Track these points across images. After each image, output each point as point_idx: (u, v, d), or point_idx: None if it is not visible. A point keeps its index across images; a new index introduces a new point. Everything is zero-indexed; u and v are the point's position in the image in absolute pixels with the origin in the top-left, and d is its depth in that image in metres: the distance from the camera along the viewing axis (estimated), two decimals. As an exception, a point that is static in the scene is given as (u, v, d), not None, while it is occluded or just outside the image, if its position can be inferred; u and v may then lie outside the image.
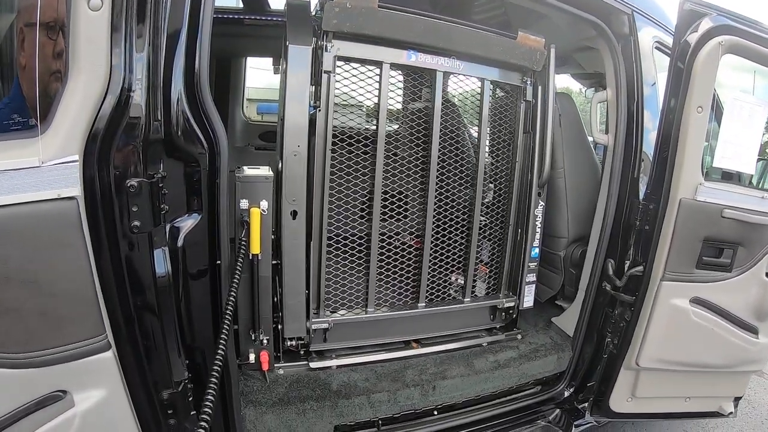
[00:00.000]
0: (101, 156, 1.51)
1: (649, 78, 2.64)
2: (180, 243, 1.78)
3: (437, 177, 2.54)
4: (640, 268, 2.48)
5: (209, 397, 1.51)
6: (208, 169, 1.79)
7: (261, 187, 2.13)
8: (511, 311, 2.89)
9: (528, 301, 2.87)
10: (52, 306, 1.44)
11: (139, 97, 1.57)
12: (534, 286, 2.88)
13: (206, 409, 1.46)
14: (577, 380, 2.85)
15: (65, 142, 1.43)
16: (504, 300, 2.83)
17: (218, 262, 1.89)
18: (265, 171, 2.18)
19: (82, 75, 1.45)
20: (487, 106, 2.61)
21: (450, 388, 2.49)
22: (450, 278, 2.77)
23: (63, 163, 1.42)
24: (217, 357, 1.68)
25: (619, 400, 2.74)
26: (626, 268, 2.55)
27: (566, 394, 2.85)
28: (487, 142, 2.68)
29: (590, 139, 3.21)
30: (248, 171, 2.16)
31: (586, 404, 2.85)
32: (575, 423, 2.78)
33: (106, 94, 1.50)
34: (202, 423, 1.42)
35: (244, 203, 2.11)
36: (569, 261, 3.08)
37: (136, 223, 1.58)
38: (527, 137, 2.77)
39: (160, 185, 1.66)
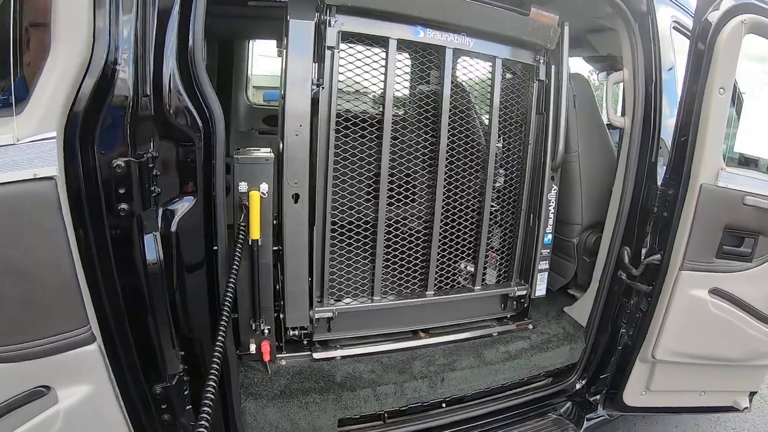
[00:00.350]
0: (84, 133, 1.37)
1: (667, 58, 2.46)
2: (173, 228, 1.64)
3: (447, 160, 2.38)
4: (658, 256, 2.32)
5: (209, 392, 1.40)
6: (203, 149, 1.65)
7: (261, 169, 1.98)
8: (522, 300, 2.74)
9: (540, 289, 2.72)
10: (29, 295, 1.30)
11: (125, 71, 1.44)
12: (547, 274, 2.72)
13: (206, 403, 1.35)
14: (589, 372, 2.70)
15: (43, 118, 1.30)
16: (515, 288, 2.67)
17: (215, 248, 1.75)
18: (265, 152, 2.03)
19: (62, 46, 1.32)
20: (499, 86, 2.44)
21: (459, 380, 2.35)
22: (459, 266, 2.61)
23: (39, 140, 1.28)
24: (216, 349, 1.56)
25: (633, 394, 2.59)
26: (643, 257, 2.39)
27: (578, 386, 2.70)
28: (499, 124, 2.50)
29: (605, 121, 3.03)
30: (247, 152, 2.01)
31: (599, 397, 2.70)
32: (587, 416, 2.64)
33: (88, 67, 1.36)
34: (202, 421, 1.30)
35: (243, 186, 1.96)
36: (583, 248, 2.92)
37: (124, 206, 1.44)
38: (540, 118, 2.60)
39: (150, 166, 1.52)
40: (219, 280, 1.79)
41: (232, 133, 4.25)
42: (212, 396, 1.39)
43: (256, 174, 1.97)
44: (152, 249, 1.57)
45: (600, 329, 2.64)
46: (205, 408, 1.34)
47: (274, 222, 2.11)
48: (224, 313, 1.67)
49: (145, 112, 1.49)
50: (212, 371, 1.49)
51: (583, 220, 2.90)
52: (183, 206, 1.65)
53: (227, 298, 1.70)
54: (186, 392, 1.78)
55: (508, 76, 2.57)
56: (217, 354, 1.55)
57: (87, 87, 1.36)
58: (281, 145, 2.03)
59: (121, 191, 1.43)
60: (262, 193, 1.96)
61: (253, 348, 2.18)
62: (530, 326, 2.77)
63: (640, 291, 2.41)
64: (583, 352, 2.67)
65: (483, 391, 2.44)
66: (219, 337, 1.60)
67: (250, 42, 4.57)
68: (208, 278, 1.77)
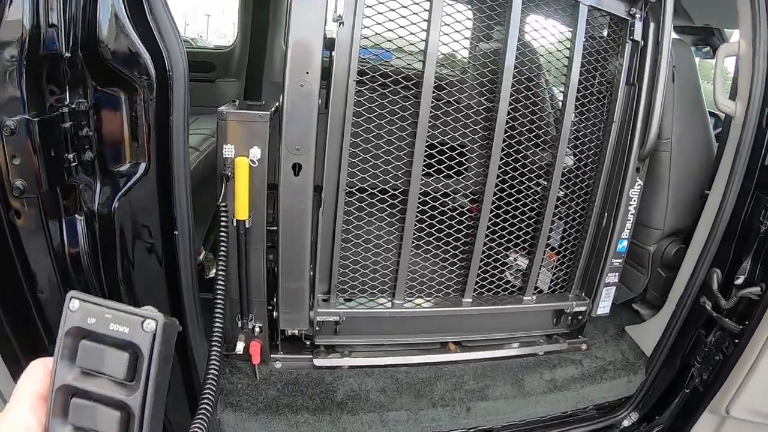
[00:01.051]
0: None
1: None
2: (114, 206, 1.16)
3: (505, 133, 1.76)
4: (757, 289, 1.66)
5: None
6: (155, 102, 1.13)
7: (252, 129, 1.44)
8: (580, 317, 2.13)
9: (603, 307, 2.10)
10: None
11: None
12: (614, 288, 2.10)
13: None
14: (643, 408, 2.08)
15: None
16: (574, 303, 2.06)
17: (175, 232, 1.27)
18: (262, 108, 1.51)
19: None
20: (581, 43, 1.77)
21: (489, 411, 1.81)
22: (508, 258, 2.04)
23: None
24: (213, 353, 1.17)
25: (693, 448, 1.99)
26: (737, 286, 1.73)
27: (626, 423, 2.09)
28: (577, 94, 1.85)
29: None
30: (240, 105, 1.49)
31: (648, 438, 2.11)
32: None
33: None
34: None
35: (227, 150, 1.44)
36: (660, 259, 2.24)
37: (19, 183, 0.96)
38: (630, 91, 1.91)
39: (66, 126, 1.03)
40: (181, 273, 1.32)
41: (264, 83, 3.69)
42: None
43: (245, 135, 1.44)
44: (72, 238, 1.10)
45: (667, 362, 2.01)
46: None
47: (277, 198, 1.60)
48: (217, 314, 1.26)
49: (52, 50, 0.99)
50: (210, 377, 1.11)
51: (665, 225, 2.21)
52: (127, 179, 1.17)
53: (219, 299, 1.28)
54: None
55: (594, 30, 1.89)
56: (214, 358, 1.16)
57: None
58: (282, 97, 1.48)
59: (16, 162, 0.96)
60: (251, 160, 1.45)
61: (240, 347, 1.71)
62: (583, 346, 2.17)
63: (726, 328, 1.76)
64: (642, 385, 2.06)
65: (515, 423, 1.91)
66: (214, 340, 1.20)
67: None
68: (167, 271, 1.30)
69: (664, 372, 2.04)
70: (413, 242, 1.77)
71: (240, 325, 1.70)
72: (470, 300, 1.90)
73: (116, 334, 0.45)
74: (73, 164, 1.06)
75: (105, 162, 1.14)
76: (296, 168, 1.51)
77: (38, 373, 0.49)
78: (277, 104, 1.59)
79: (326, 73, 1.51)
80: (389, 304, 1.83)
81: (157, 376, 0.47)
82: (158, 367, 0.46)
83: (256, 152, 1.44)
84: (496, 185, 1.81)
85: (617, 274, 2.06)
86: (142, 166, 1.17)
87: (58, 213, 1.06)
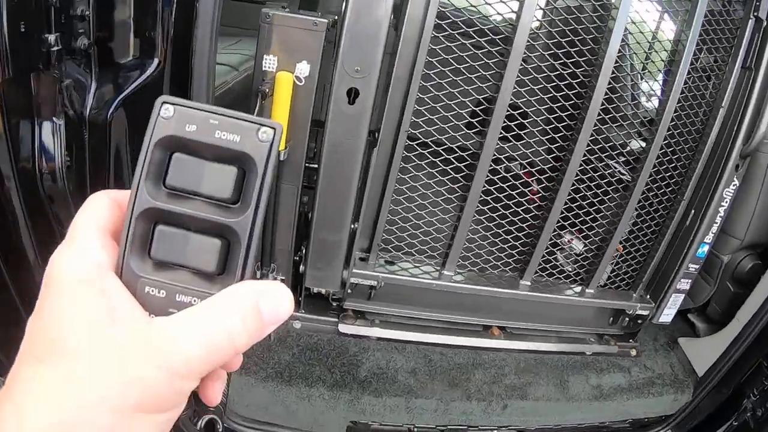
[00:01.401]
0: None
1: None
2: (110, 113, 0.85)
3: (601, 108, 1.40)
4: None
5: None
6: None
7: (302, 39, 1.10)
8: (639, 320, 1.81)
9: (667, 315, 1.77)
10: None
11: None
12: (683, 297, 1.76)
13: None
14: (679, 430, 1.81)
15: None
16: (638, 305, 1.74)
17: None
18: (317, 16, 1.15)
19: None
20: (702, 14, 1.37)
21: (526, 412, 1.54)
22: (563, 239, 1.72)
23: None
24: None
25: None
26: None
27: None
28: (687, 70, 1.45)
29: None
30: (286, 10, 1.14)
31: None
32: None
33: None
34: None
35: (269, 62, 1.10)
36: (731, 272, 1.87)
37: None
38: (745, 76, 1.52)
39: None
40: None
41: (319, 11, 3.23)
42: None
43: (293, 45, 1.10)
44: (44, 147, 0.79)
45: (719, 387, 1.73)
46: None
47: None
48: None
49: None
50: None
51: (745, 235, 1.83)
52: (131, 79, 0.85)
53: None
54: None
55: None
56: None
57: None
58: (342, 5, 1.12)
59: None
60: (297, 77, 1.11)
61: (258, 300, 1.44)
62: (633, 352, 1.86)
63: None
64: (686, 405, 1.78)
65: (550, 427, 1.64)
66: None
67: None
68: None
69: (713, 396, 1.76)
70: (476, 210, 1.45)
71: (259, 276, 1.42)
72: (528, 283, 1.58)
73: (223, 143, 0.34)
74: (55, 48, 0.73)
75: (104, 53, 0.82)
76: (352, 94, 1.16)
77: (101, 204, 0.36)
78: (334, 17, 1.23)
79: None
80: (436, 274, 1.52)
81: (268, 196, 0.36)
82: (270, 184, 0.35)
83: (303, 68, 1.11)
84: (577, 172, 1.48)
85: (690, 281, 1.72)
86: (153, 64, 0.85)
87: (29, 112, 0.75)
